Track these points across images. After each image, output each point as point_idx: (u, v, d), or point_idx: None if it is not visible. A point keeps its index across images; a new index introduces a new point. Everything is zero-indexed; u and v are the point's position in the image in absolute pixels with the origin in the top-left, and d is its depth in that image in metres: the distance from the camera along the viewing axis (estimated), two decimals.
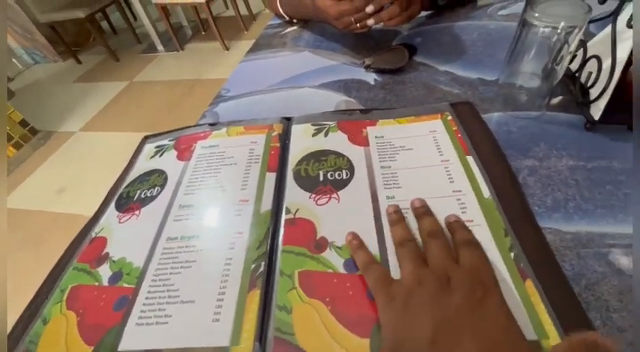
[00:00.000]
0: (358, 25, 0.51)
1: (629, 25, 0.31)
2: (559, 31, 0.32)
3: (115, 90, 2.20)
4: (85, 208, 1.39)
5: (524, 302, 0.22)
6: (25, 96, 2.33)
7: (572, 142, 0.35)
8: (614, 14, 0.33)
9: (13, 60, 2.70)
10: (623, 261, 0.25)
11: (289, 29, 0.68)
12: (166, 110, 1.93)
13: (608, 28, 0.35)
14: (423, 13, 0.62)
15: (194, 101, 1.96)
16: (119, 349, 0.23)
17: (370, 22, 0.50)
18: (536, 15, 0.32)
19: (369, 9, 0.49)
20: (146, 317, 0.25)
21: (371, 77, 0.49)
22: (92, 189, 1.51)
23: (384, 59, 0.49)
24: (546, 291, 0.23)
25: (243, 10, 2.67)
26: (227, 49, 2.36)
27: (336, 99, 0.46)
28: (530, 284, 0.23)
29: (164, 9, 2.24)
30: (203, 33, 2.67)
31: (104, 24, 2.94)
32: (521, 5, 0.61)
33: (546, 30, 0.33)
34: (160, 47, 2.49)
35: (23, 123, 1.81)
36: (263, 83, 0.53)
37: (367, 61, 0.50)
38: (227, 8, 2.99)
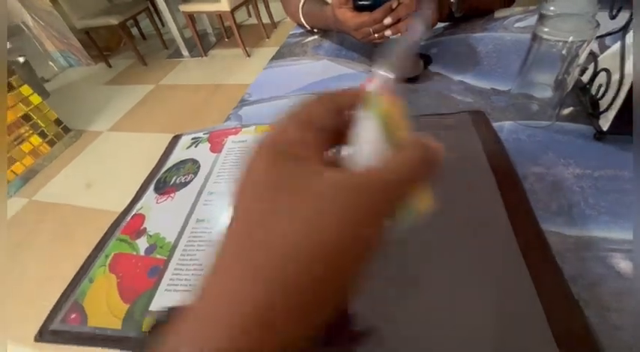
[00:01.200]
0: (376, 35, 0.54)
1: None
2: (568, 45, 0.33)
3: (142, 92, 2.31)
4: (109, 203, 1.46)
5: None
6: (59, 97, 2.48)
7: (581, 151, 0.36)
8: (624, 29, 0.35)
9: (50, 63, 2.87)
10: (623, 264, 0.26)
11: (310, 38, 0.71)
12: (190, 113, 2.01)
13: (615, 47, 0.36)
14: (440, 25, 0.64)
15: (216, 105, 2.03)
16: (150, 308, 0.27)
17: (388, 32, 0.53)
18: (546, 30, 0.34)
19: (387, 21, 0.51)
20: (174, 284, 0.29)
21: None
22: (117, 186, 1.59)
23: (397, 67, 0.51)
24: (544, 289, 0.24)
25: (265, 19, 2.75)
26: (248, 56, 2.43)
27: None
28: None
29: (191, 17, 2.34)
30: (226, 40, 2.77)
31: (134, 30, 3.10)
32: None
33: (556, 44, 0.35)
34: (185, 53, 2.60)
35: (57, 122, 1.93)
36: (284, 89, 0.56)
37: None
38: (250, 16, 3.09)
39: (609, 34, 0.37)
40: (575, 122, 0.39)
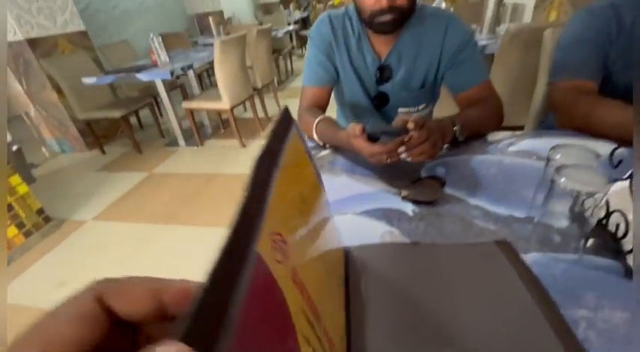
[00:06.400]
0: (389, 160, 0.59)
1: None
2: (583, 194, 0.37)
3: (135, 180, 2.31)
4: None
5: None
6: (47, 183, 2.43)
7: (619, 292, 0.37)
8: (630, 178, 0.39)
9: (43, 148, 2.90)
10: None
11: (323, 153, 0.77)
12: (182, 202, 1.99)
13: (623, 183, 0.40)
14: (445, 146, 0.71)
15: (210, 194, 2.04)
16: None
17: (402, 156, 0.58)
18: (564, 179, 0.38)
19: (402, 150, 0.57)
20: None
21: (408, 207, 0.54)
22: None
23: (419, 192, 0.55)
24: None
25: (261, 113, 3.01)
26: (244, 146, 2.56)
27: (381, 229, 0.50)
28: None
29: (191, 111, 2.52)
30: (222, 131, 2.95)
31: (133, 119, 3.27)
32: (527, 142, 0.71)
33: (572, 191, 0.39)
34: (181, 142, 2.72)
35: (39, 212, 1.85)
36: None
37: (404, 193, 0.56)
38: (245, 110, 3.36)
39: (616, 180, 0.42)
40: (602, 256, 0.41)
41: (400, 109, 0.91)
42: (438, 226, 0.49)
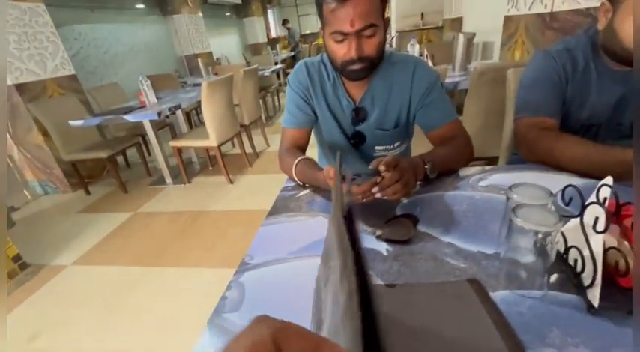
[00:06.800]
0: (364, 200, 0.61)
1: (594, 229, 0.39)
2: (539, 234, 0.39)
3: (119, 221, 2.26)
4: None
5: None
6: (26, 227, 2.36)
7: (583, 327, 0.38)
8: (580, 216, 0.42)
9: (24, 191, 2.84)
10: None
11: (303, 193, 0.78)
12: (167, 241, 1.95)
13: (575, 220, 0.43)
14: (417, 183, 0.74)
15: (196, 232, 2.01)
16: None
17: (377, 196, 0.60)
18: (519, 220, 0.40)
19: (375, 190, 0.59)
20: None
21: (383, 247, 0.55)
22: (69, 337, 1.37)
23: (393, 231, 0.56)
24: None
25: (248, 149, 3.05)
26: (231, 183, 2.57)
27: None
28: None
29: (178, 149, 2.55)
30: (210, 168, 2.96)
31: (120, 158, 3.27)
32: (496, 177, 0.74)
33: (529, 231, 0.41)
34: (168, 180, 2.71)
35: (16, 258, 1.77)
36: (284, 249, 0.58)
37: (378, 232, 0.57)
38: (234, 146, 3.41)
39: (568, 217, 0.44)
40: (566, 291, 0.43)
41: (377, 147, 0.95)
42: (411, 266, 0.50)
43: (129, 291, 1.59)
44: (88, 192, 2.77)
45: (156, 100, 2.62)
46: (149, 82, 2.57)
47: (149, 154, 3.41)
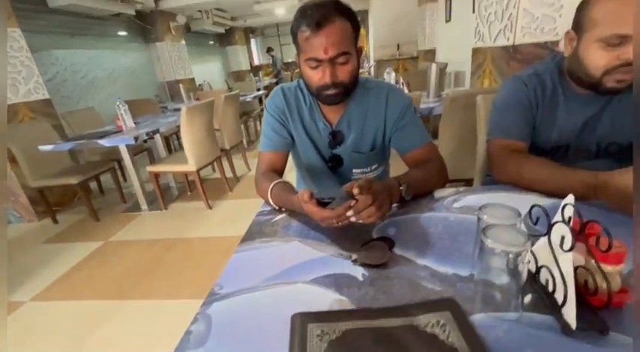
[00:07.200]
0: (339, 224, 0.60)
1: (562, 247, 0.40)
2: (510, 254, 0.39)
3: (87, 251, 2.13)
4: None
5: None
6: None
7: (558, 350, 0.37)
8: (547, 234, 0.42)
9: None
10: None
11: (279, 217, 0.77)
12: (141, 272, 1.84)
13: (544, 238, 0.43)
14: (393, 205, 0.74)
15: (172, 261, 1.91)
16: None
17: (352, 219, 0.59)
18: (489, 240, 0.40)
19: (350, 213, 0.58)
20: None
21: (359, 271, 0.54)
22: None
23: (368, 255, 0.55)
24: None
25: (229, 173, 3.01)
26: (210, 208, 2.50)
27: (330, 298, 0.49)
28: None
29: (155, 174, 2.48)
30: (189, 193, 2.89)
31: (94, 184, 3.13)
32: (470, 198, 0.75)
33: (500, 252, 0.41)
34: (143, 206, 2.61)
35: None
36: (256, 277, 0.56)
37: (353, 256, 0.56)
38: (214, 171, 3.36)
39: (539, 235, 0.45)
40: (539, 312, 0.42)
41: (354, 170, 0.95)
42: (386, 291, 0.49)
43: (92, 328, 1.46)
44: (55, 221, 2.62)
45: (133, 125, 2.58)
46: (127, 106, 2.54)
47: (125, 180, 3.30)
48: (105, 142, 2.21)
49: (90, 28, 4.29)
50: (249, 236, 0.70)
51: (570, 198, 0.44)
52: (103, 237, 2.29)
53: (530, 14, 1.74)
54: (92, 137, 2.31)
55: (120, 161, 3.05)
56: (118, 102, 2.50)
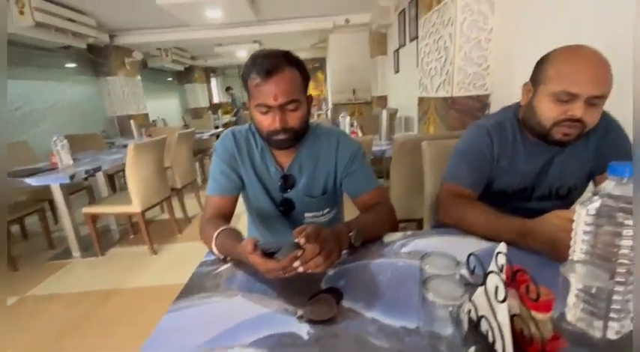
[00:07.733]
0: (286, 275, 0.57)
1: (496, 298, 0.41)
2: (450, 308, 0.39)
3: None
4: None
5: None
6: None
7: None
8: (484, 283, 0.44)
9: None
10: None
11: (223, 267, 0.71)
12: (65, 333, 1.57)
13: (481, 288, 0.44)
14: (343, 251, 0.73)
15: (104, 317, 1.67)
16: None
17: (299, 270, 0.57)
18: (431, 294, 0.40)
19: (297, 264, 0.56)
20: None
21: (304, 329, 0.50)
22: None
23: (314, 311, 0.52)
24: None
25: (179, 213, 2.83)
26: (155, 254, 2.30)
27: None
28: None
29: (92, 217, 2.24)
30: (132, 236, 2.64)
31: (16, 227, 2.74)
32: (417, 243, 0.77)
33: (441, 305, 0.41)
34: (75, 253, 2.31)
35: None
36: (190, 342, 0.49)
37: (299, 312, 0.52)
38: (163, 211, 3.13)
39: (476, 285, 0.46)
40: None
41: (306, 214, 0.94)
42: (332, 350, 0.46)
43: None
44: None
45: (71, 162, 2.36)
46: (65, 141, 2.34)
47: (56, 222, 2.95)
48: (32, 181, 1.98)
49: (33, 58, 4.04)
50: (188, 290, 0.63)
51: (502, 247, 0.46)
52: (20, 290, 1.96)
53: (463, 71, 1.98)
54: (18, 175, 2.06)
55: (52, 201, 2.73)
56: (55, 138, 2.30)
